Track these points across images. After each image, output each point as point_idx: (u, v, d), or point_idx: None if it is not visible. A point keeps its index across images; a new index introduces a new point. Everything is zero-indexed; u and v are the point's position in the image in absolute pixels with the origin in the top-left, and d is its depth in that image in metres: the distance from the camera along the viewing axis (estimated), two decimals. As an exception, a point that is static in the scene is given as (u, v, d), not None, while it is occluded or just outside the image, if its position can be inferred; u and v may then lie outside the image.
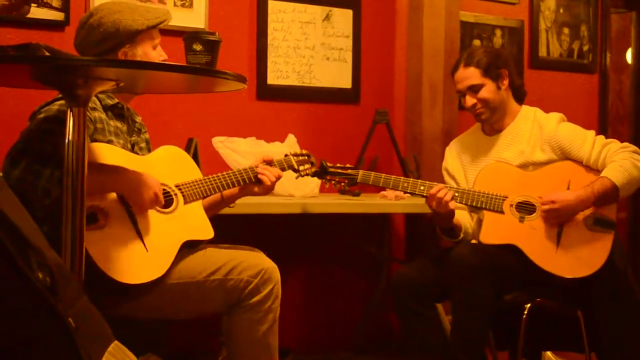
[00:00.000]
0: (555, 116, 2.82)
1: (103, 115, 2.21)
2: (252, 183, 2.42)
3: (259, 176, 2.42)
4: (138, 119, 2.45)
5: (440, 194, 2.61)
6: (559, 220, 2.64)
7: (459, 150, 2.95)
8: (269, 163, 2.49)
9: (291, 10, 3.55)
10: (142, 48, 2.21)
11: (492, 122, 2.84)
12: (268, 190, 2.44)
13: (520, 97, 2.88)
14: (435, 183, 2.70)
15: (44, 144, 1.97)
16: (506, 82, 2.80)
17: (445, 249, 2.82)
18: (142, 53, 2.21)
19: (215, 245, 2.32)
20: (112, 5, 2.20)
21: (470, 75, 2.77)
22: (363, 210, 3.15)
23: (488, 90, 2.77)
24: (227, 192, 2.43)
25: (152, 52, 2.24)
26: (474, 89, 2.78)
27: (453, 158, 2.95)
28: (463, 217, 2.82)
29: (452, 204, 2.64)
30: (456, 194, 2.69)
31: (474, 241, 2.79)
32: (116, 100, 2.28)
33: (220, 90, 2.27)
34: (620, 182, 2.60)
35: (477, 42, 4.02)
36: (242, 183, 2.39)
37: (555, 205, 2.62)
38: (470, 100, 2.79)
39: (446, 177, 2.92)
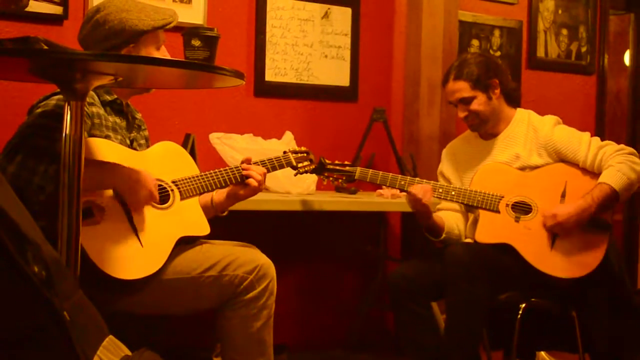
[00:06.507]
0: (550, 119, 2.82)
1: (101, 111, 2.21)
2: (239, 183, 2.39)
3: (244, 172, 2.37)
4: (138, 115, 2.45)
5: (419, 194, 2.62)
6: (563, 233, 2.64)
7: (455, 153, 2.96)
8: (249, 162, 2.43)
9: (290, 8, 3.55)
10: (146, 49, 2.20)
11: (486, 129, 2.86)
12: (255, 190, 2.39)
13: (514, 100, 2.89)
14: (425, 180, 2.72)
15: (40, 139, 1.97)
16: (497, 91, 2.81)
17: (440, 247, 2.82)
18: (145, 54, 2.20)
19: (211, 242, 2.32)
20: (119, 2, 2.19)
21: (460, 88, 2.78)
22: (359, 208, 3.15)
23: (479, 103, 2.78)
24: (216, 198, 2.42)
25: (156, 53, 2.24)
26: (465, 102, 2.79)
27: (449, 162, 2.96)
28: (449, 218, 2.83)
29: (429, 201, 2.65)
30: (453, 193, 2.70)
31: (469, 240, 2.80)
32: (115, 96, 2.28)
33: (218, 86, 2.27)
34: (620, 187, 2.60)
35: (475, 42, 4.02)
36: (239, 180, 2.38)
37: (557, 219, 2.62)
38: (462, 113, 2.81)
39: (441, 181, 2.93)
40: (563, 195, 2.70)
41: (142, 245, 2.10)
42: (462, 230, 2.86)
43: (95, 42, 2.17)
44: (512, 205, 2.69)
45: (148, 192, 2.11)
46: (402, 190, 2.77)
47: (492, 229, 2.67)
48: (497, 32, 4.10)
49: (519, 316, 2.65)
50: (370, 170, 2.79)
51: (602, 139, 2.77)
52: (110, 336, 1.13)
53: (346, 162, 2.84)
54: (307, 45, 3.59)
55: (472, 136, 2.94)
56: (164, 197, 2.22)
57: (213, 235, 2.30)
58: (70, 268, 1.70)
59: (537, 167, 2.76)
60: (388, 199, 3.21)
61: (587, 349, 2.73)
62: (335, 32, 3.66)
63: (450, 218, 2.84)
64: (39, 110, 2.07)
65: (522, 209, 2.69)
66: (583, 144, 2.72)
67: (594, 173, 2.70)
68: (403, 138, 3.75)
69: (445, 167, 2.97)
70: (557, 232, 2.63)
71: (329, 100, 3.67)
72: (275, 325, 2.29)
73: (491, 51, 4.04)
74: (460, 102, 2.80)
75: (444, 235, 2.79)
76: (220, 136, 3.10)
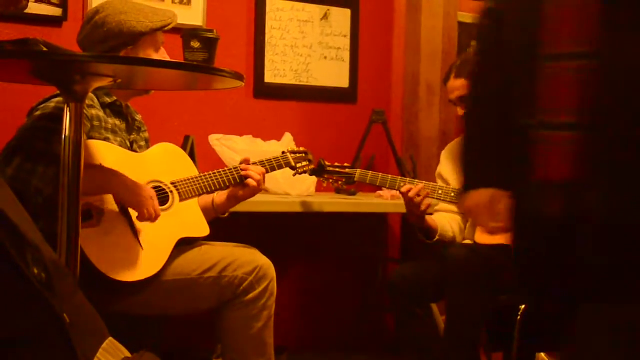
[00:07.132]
0: (550, 118, 2.82)
1: (101, 113, 2.21)
2: (238, 184, 2.39)
3: (243, 173, 2.37)
4: (138, 117, 2.45)
5: (416, 199, 2.62)
6: None
7: (455, 155, 2.95)
8: (248, 162, 2.43)
9: (289, 9, 3.55)
10: (144, 51, 2.20)
11: None
12: (254, 191, 2.39)
13: None
14: (424, 182, 2.71)
15: (38, 142, 1.97)
16: None
17: (440, 249, 2.82)
18: (144, 55, 2.20)
19: (210, 243, 2.32)
20: (118, 4, 2.19)
21: (460, 86, 2.78)
22: (359, 209, 3.15)
23: None
24: (217, 200, 2.42)
25: (155, 54, 2.24)
26: (465, 100, 2.79)
27: (448, 163, 2.96)
28: (442, 220, 2.82)
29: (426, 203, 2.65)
30: (453, 194, 2.70)
31: (469, 241, 2.80)
32: (114, 98, 2.28)
33: (218, 87, 2.27)
34: None
35: (474, 43, 4.01)
36: (238, 181, 2.38)
37: None
38: (461, 111, 2.81)
39: (440, 182, 2.92)
40: (563, 196, 2.69)
41: (141, 247, 2.10)
42: (457, 231, 2.86)
43: (94, 44, 2.18)
44: (512, 206, 2.68)
45: (151, 209, 2.09)
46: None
47: (492, 230, 2.67)
48: (496, 33, 4.10)
49: (519, 317, 2.64)
50: (370, 172, 2.79)
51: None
52: (110, 338, 1.13)
53: (346, 164, 2.84)
54: (307, 47, 3.59)
55: (472, 137, 2.94)
56: (163, 198, 2.22)
57: (213, 237, 2.30)
58: (69, 270, 1.70)
59: (536, 167, 2.76)
60: (388, 201, 3.21)
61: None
62: (335, 33, 3.66)
63: (444, 220, 2.83)
64: (38, 112, 2.07)
65: (521, 209, 2.68)
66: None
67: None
68: (402, 139, 3.75)
69: (444, 168, 2.96)
70: None
71: (329, 102, 3.67)
72: (275, 326, 2.29)
73: (490, 52, 4.04)
74: (460, 101, 2.80)
75: (437, 237, 2.79)
76: (220, 138, 3.10)
